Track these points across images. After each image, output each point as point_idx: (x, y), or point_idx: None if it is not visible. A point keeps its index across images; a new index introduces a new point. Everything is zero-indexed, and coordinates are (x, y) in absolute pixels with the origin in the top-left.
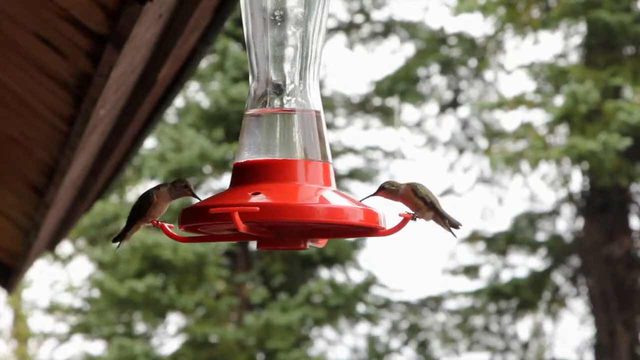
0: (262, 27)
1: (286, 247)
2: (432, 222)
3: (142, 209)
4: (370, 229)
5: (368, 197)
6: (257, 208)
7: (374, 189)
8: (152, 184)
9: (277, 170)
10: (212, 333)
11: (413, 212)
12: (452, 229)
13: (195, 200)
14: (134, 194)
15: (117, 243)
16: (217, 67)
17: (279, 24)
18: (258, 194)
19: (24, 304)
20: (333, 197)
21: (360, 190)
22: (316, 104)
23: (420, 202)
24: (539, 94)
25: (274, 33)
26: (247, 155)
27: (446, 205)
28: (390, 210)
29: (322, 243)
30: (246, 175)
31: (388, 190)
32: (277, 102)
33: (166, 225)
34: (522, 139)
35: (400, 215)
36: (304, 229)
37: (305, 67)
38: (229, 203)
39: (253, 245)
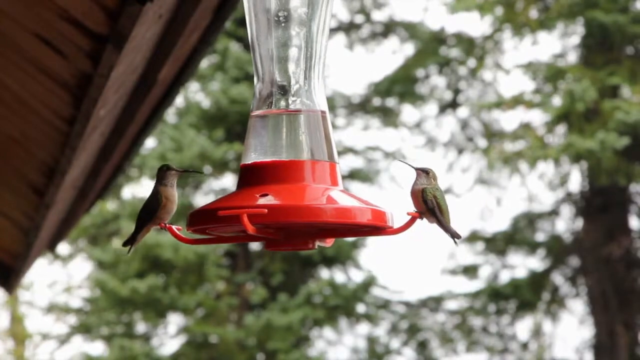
0: (266, 28)
1: (295, 247)
2: (435, 225)
3: (151, 211)
4: (378, 228)
5: (408, 164)
6: (265, 210)
7: (374, 189)
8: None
9: (284, 171)
10: (212, 333)
11: (419, 211)
12: (452, 238)
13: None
14: (132, 193)
15: (128, 247)
16: (217, 67)
17: (282, 24)
18: (266, 196)
19: (23, 305)
20: (341, 197)
21: (359, 191)
22: (322, 104)
23: (423, 206)
24: (538, 94)
25: (278, 34)
26: (253, 156)
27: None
28: (397, 209)
29: (329, 242)
30: (253, 176)
31: (424, 175)
32: (282, 103)
33: (174, 227)
34: (521, 139)
35: (408, 214)
36: (313, 229)
37: (310, 68)
38: (237, 205)
39: (253, 245)
